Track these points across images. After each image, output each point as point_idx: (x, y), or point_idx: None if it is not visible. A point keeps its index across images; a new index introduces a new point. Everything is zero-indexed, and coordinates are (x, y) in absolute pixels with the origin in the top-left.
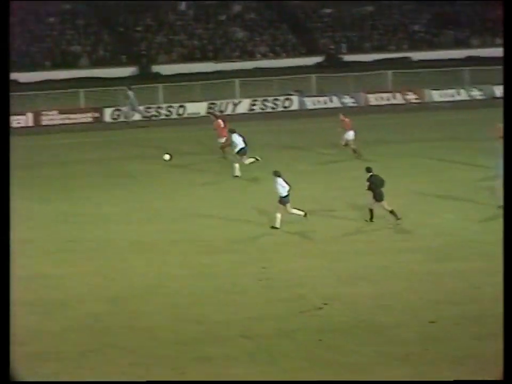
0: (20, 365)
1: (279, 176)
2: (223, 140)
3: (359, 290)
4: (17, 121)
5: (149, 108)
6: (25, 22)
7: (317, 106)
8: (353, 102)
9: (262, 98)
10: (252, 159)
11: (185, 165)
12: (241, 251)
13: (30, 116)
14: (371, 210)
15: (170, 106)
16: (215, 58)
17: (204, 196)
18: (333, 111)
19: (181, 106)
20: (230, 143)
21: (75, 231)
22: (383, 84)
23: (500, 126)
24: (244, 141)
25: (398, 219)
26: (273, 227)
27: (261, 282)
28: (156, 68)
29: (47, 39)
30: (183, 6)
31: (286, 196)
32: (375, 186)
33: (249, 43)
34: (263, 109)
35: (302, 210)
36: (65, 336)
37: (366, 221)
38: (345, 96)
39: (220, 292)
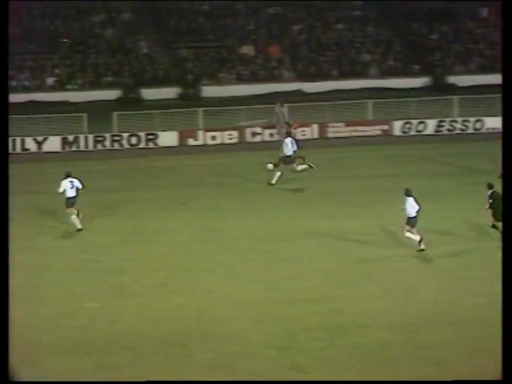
0: None
1: (410, 195)
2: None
3: None
4: (301, 132)
5: (442, 121)
6: (313, 30)
7: None
8: None
9: None
10: (304, 166)
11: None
12: None
13: (315, 127)
14: (494, 227)
15: (466, 120)
16: None
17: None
18: None
19: (478, 120)
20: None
21: (360, 251)
22: None
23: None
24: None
25: None
26: (420, 250)
27: None
28: (451, 79)
29: (335, 47)
30: (484, 12)
31: (415, 216)
32: (497, 204)
33: None
34: None
35: (419, 236)
36: (350, 364)
37: None
38: None
39: None
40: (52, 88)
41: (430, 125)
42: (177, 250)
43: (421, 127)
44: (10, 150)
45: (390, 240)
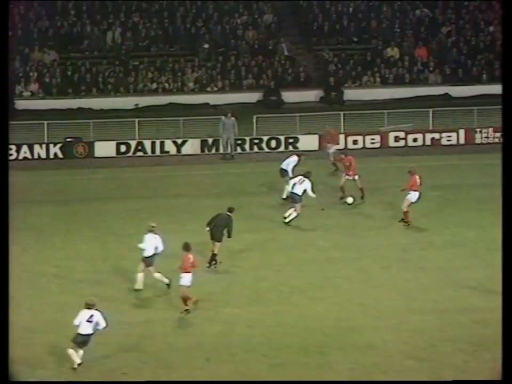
0: None
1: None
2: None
3: None
4: (447, 138)
5: None
6: (463, 32)
7: None
8: None
9: None
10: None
11: None
12: None
13: (461, 133)
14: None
15: None
16: None
17: None
18: None
19: None
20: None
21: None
22: None
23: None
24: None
25: (215, 263)
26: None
27: None
28: None
29: (486, 50)
30: None
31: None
32: (213, 223)
33: None
34: None
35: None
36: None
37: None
38: None
39: None
40: (192, 91)
41: None
42: (316, 256)
43: None
44: (149, 153)
45: None
